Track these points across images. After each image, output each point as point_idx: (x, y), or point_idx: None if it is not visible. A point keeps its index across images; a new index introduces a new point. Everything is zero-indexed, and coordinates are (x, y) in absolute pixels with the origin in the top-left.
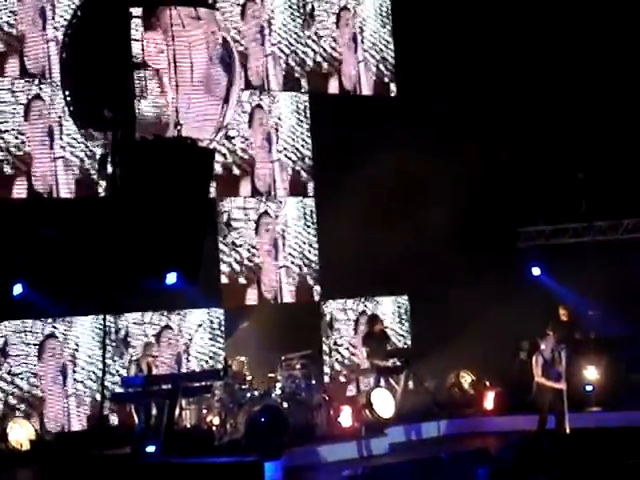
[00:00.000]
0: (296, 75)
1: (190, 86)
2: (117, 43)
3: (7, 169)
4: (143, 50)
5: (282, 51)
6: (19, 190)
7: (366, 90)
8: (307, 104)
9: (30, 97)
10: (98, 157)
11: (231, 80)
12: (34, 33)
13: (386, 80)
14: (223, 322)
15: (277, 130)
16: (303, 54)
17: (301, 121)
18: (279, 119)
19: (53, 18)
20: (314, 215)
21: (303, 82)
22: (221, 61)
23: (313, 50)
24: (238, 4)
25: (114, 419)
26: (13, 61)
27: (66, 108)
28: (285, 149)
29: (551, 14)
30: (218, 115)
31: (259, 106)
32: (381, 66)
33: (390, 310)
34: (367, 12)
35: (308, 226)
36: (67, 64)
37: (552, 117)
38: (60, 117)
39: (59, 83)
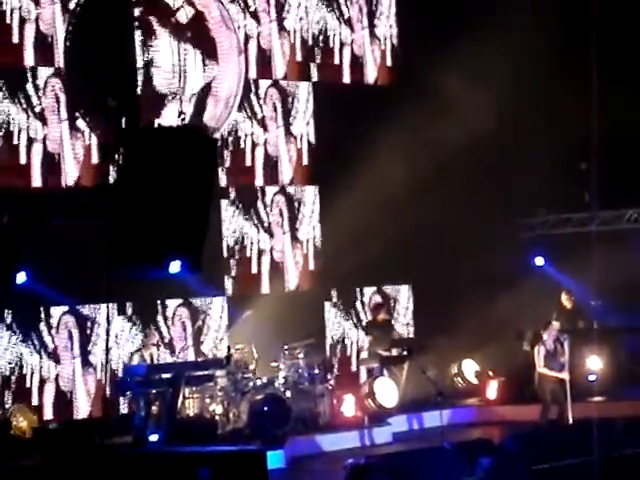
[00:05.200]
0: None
1: None
2: (121, 32)
3: (12, 158)
4: None
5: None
6: (26, 180)
7: (370, 78)
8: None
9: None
10: (102, 145)
11: None
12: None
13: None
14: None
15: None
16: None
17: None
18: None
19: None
20: (316, 202)
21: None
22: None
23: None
24: None
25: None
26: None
27: (70, 95)
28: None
29: None
30: None
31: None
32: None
33: (392, 299)
34: None
35: (310, 213)
36: (72, 53)
37: (556, 107)
38: (61, 104)
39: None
